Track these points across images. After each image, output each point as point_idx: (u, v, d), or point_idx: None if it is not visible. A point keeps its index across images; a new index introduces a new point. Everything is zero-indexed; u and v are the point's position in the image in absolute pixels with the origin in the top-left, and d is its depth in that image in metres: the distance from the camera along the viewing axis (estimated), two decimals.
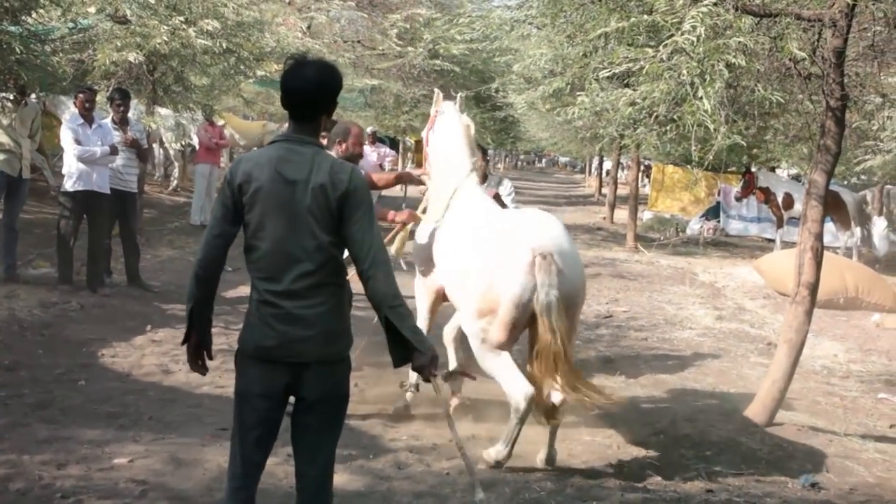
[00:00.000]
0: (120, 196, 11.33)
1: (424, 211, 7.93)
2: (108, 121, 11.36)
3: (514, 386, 6.45)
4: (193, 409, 7.34)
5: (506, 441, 6.53)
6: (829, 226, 22.58)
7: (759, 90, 7.10)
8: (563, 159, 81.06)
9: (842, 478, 6.80)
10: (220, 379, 7.72)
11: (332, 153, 7.31)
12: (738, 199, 24.37)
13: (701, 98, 6.33)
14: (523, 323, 6.42)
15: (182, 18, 13.07)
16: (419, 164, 41.02)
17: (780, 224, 22.67)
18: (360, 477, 6.12)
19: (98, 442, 6.30)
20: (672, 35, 6.51)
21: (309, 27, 18.72)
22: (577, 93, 7.88)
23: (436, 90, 8.21)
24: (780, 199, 22.34)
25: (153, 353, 8.81)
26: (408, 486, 6.01)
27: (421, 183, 8.24)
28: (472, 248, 6.80)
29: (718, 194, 27.93)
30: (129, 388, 7.64)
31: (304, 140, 4.05)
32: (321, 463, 4.17)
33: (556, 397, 6.49)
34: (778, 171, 30.43)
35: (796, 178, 31.15)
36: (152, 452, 6.11)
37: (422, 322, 7.65)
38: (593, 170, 49.86)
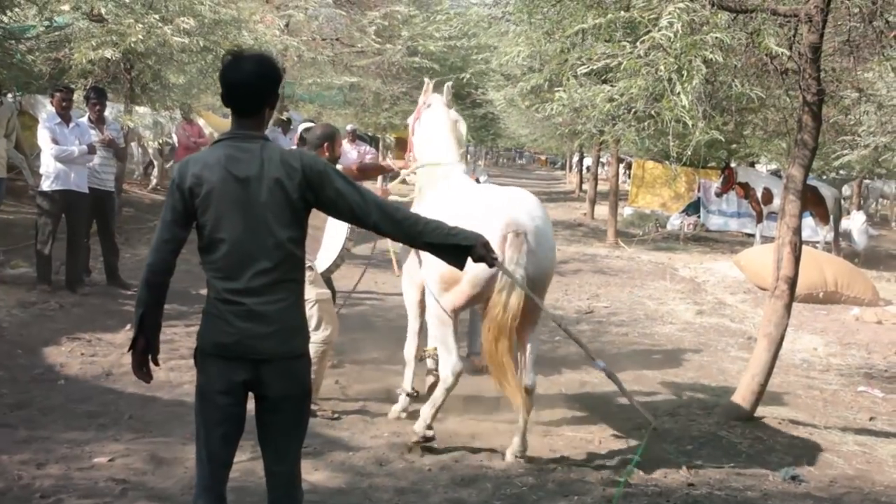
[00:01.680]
0: (98, 195, 11.27)
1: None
2: (85, 120, 11.30)
3: (448, 359, 6.69)
4: (174, 407, 7.30)
5: (431, 406, 6.76)
6: (809, 220, 22.74)
7: (736, 86, 7.12)
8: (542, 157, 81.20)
9: (822, 470, 6.84)
10: None
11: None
12: (719, 195, 24.44)
13: (679, 94, 6.34)
14: (484, 296, 6.45)
15: (158, 16, 12.98)
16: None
17: (759, 219, 22.75)
18: (340, 474, 6.11)
19: (78, 441, 6.28)
20: (649, 31, 6.52)
21: (287, 25, 18.63)
22: (556, 89, 7.87)
23: (426, 80, 8.17)
24: (759, 194, 22.43)
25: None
26: (389, 483, 6.01)
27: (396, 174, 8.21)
28: (446, 219, 6.73)
29: (698, 190, 28.03)
30: (108, 388, 7.60)
31: (250, 136, 4.03)
32: (290, 460, 4.18)
33: (529, 379, 6.66)
34: (757, 166, 30.54)
35: (776, 173, 31.26)
36: (132, 451, 6.09)
37: (412, 319, 7.68)
38: (573, 166, 49.85)
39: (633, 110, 7.06)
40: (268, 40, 15.54)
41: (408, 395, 7.68)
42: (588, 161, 42.14)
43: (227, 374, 3.97)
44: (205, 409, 4.05)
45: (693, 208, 28.09)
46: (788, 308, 7.83)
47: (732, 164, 24.47)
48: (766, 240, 21.40)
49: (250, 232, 3.94)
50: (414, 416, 7.48)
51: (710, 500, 5.98)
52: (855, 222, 22.49)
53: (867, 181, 33.17)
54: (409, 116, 8.15)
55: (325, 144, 7.43)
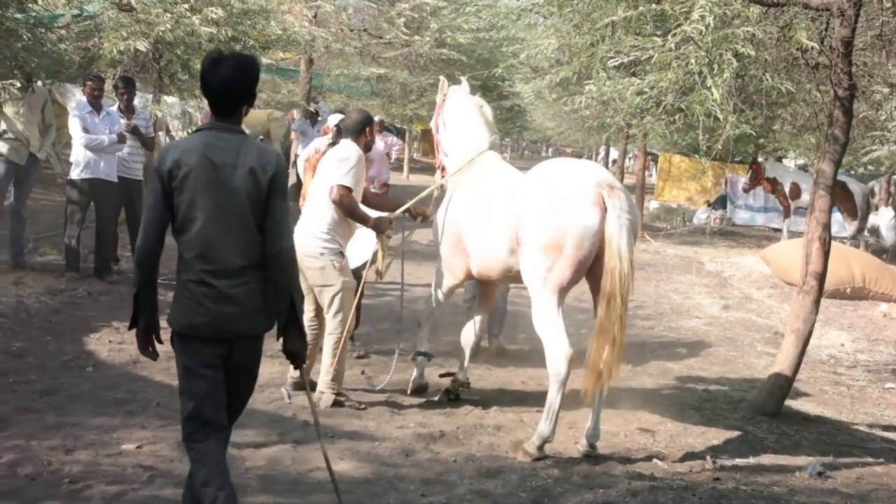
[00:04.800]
0: (127, 184, 11.33)
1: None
2: (115, 109, 11.35)
3: (557, 345, 6.49)
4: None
5: (548, 417, 6.53)
6: (836, 216, 22.56)
7: (767, 79, 7.08)
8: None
9: (849, 467, 6.81)
10: None
11: (352, 142, 7.35)
12: (746, 190, 24.30)
13: (710, 87, 6.31)
14: (589, 260, 6.43)
15: (187, 6, 13.01)
16: (425, 154, 41.02)
17: (786, 214, 22.63)
18: (366, 464, 6.13)
19: (106, 428, 6.31)
20: (680, 24, 6.49)
21: (315, 16, 18.66)
22: (585, 82, 7.85)
23: (441, 78, 8.25)
24: (787, 189, 22.29)
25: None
26: (415, 474, 6.02)
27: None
28: (525, 193, 6.76)
29: (725, 184, 27.89)
30: (136, 375, 7.64)
31: (229, 128, 4.35)
32: (236, 415, 4.62)
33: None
34: (785, 161, 30.39)
35: (803, 168, 31.08)
36: (160, 439, 6.12)
37: (433, 304, 7.77)
38: (599, 159, 49.75)
39: (663, 104, 7.03)
40: (296, 31, 15.57)
41: (421, 355, 7.83)
42: (614, 154, 42.05)
43: (207, 350, 4.32)
44: (191, 384, 4.35)
45: (720, 202, 27.95)
46: (817, 303, 7.80)
47: (760, 159, 24.34)
48: (794, 235, 21.28)
49: (223, 215, 4.25)
50: (434, 405, 7.54)
51: (735, 494, 5.96)
52: (883, 218, 22.31)
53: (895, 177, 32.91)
54: (434, 116, 8.16)
55: (367, 129, 7.45)
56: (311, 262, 7.11)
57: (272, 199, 4.32)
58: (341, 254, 7.27)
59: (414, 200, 7.85)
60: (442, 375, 8.13)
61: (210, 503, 4.28)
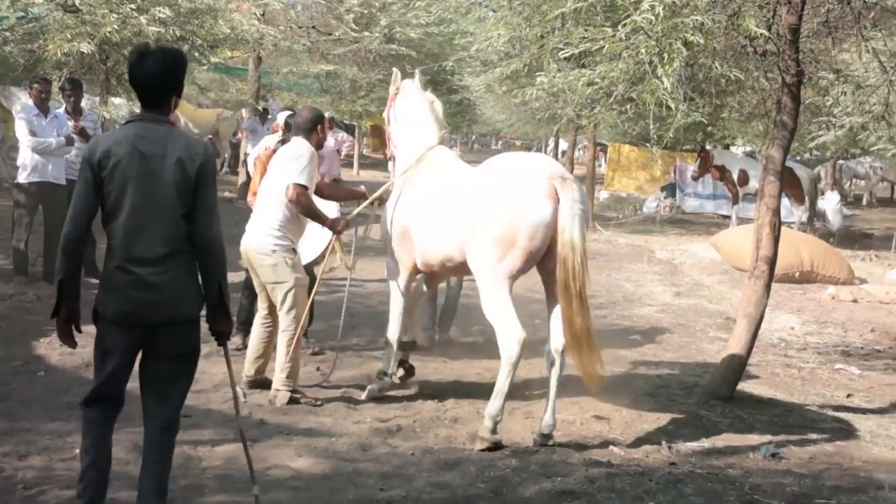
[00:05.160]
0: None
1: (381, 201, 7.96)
2: (62, 111, 11.21)
3: (509, 328, 6.53)
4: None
5: (497, 396, 6.59)
6: (784, 201, 22.78)
7: (716, 68, 7.14)
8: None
9: (802, 447, 6.91)
10: None
11: (304, 139, 7.32)
12: (695, 178, 24.55)
13: (660, 77, 6.35)
14: (542, 251, 6.48)
15: (133, 6, 12.84)
16: (375, 149, 40.82)
17: (735, 200, 22.87)
18: (324, 460, 6.11)
19: (59, 432, 6.25)
20: (629, 14, 6.53)
21: (263, 14, 18.54)
22: (535, 74, 7.87)
23: (395, 70, 8.26)
24: (735, 176, 22.54)
25: None
26: (373, 468, 6.01)
27: (363, 197, 8.12)
28: (477, 187, 6.81)
29: (674, 173, 28.12)
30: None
31: (158, 119, 4.48)
32: (172, 404, 4.68)
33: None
34: (732, 148, 30.67)
35: (751, 155, 31.41)
36: (115, 441, 5.98)
37: (397, 302, 7.69)
38: (548, 151, 49.88)
39: (614, 94, 7.07)
40: (244, 29, 15.47)
41: (385, 376, 7.74)
42: (563, 145, 42.19)
43: (127, 336, 4.48)
44: (105, 363, 4.56)
45: (669, 191, 28.18)
46: (768, 288, 7.90)
47: (708, 147, 24.56)
48: (742, 221, 21.50)
49: (149, 205, 4.37)
50: (391, 399, 7.56)
51: (691, 478, 6.02)
52: (829, 203, 22.65)
53: (841, 162, 33.38)
54: (386, 108, 8.17)
55: (319, 127, 7.42)
56: (264, 259, 7.10)
57: (200, 189, 4.43)
58: (293, 251, 7.26)
59: (373, 197, 7.83)
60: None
61: (81, 473, 4.62)
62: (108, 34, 12.59)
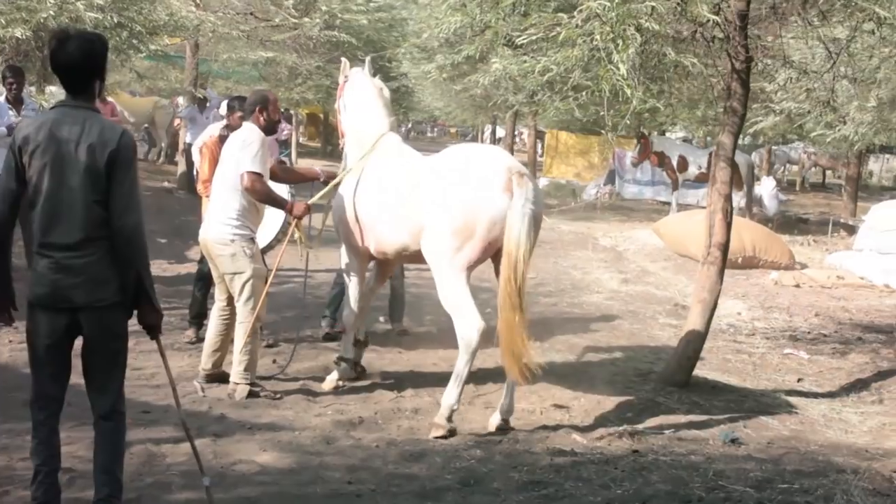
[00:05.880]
0: None
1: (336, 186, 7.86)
2: (2, 100, 10.91)
3: (468, 317, 6.56)
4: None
5: (455, 384, 6.62)
6: None
7: (669, 54, 7.17)
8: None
9: (759, 432, 6.98)
10: (136, 361, 7.47)
11: (252, 124, 7.20)
12: (635, 164, 24.70)
13: (616, 63, 6.35)
14: (499, 241, 6.48)
15: None
16: (311, 138, 40.40)
17: (675, 187, 23.07)
18: (289, 454, 6.04)
19: (17, 431, 6.07)
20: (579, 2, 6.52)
21: (199, 1, 18.22)
22: (484, 62, 7.82)
23: (343, 59, 8.20)
24: (674, 163, 22.72)
25: None
26: (339, 461, 5.96)
27: (317, 178, 8.04)
28: (434, 177, 6.82)
29: (613, 159, 28.28)
30: None
31: (78, 105, 4.48)
32: (110, 393, 4.69)
33: None
34: (668, 134, 30.98)
35: (686, 140, 31.76)
36: (75, 439, 5.89)
37: (354, 288, 7.66)
38: (485, 138, 49.94)
39: (570, 81, 7.05)
40: (183, 15, 15.22)
41: (344, 361, 7.70)
42: (500, 132, 42.29)
43: (49, 320, 4.49)
44: (35, 350, 4.59)
45: (608, 178, 28.35)
46: (721, 274, 7.99)
47: (645, 132, 24.74)
48: (682, 207, 21.75)
49: (64, 190, 4.38)
50: (350, 391, 7.51)
51: (656, 465, 6.05)
52: (765, 188, 22.93)
53: (774, 147, 33.90)
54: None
55: (258, 108, 7.29)
56: (222, 248, 6.99)
57: (114, 175, 4.39)
58: (252, 240, 7.17)
59: (332, 184, 7.72)
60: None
61: (33, 476, 4.61)
62: (43, 20, 12.26)
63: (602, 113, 7.64)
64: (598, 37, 6.44)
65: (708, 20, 7.01)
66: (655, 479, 5.80)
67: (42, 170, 4.38)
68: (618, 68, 6.38)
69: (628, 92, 6.48)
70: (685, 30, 7.57)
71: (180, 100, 21.41)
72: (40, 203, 4.40)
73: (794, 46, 9.03)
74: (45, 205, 4.40)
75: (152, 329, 4.74)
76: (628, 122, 7.29)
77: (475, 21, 7.60)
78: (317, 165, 10.35)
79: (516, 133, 36.68)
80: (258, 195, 7.03)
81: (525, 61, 7.27)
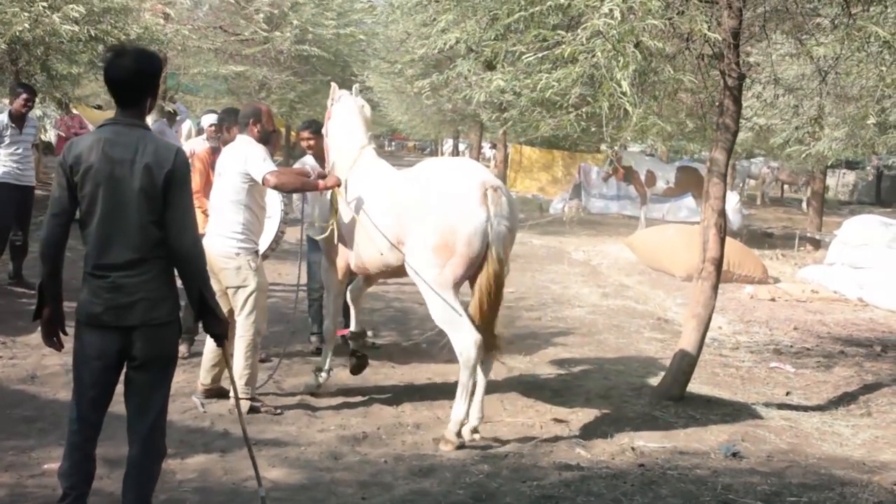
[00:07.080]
0: (22, 191, 10.71)
1: None
2: (4, 117, 10.71)
3: (462, 332, 6.63)
4: (112, 407, 7.03)
5: (461, 400, 6.68)
6: (689, 201, 23.33)
7: (669, 71, 7.24)
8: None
9: (757, 446, 7.04)
10: None
11: (247, 136, 7.17)
12: (605, 179, 24.83)
13: (619, 80, 6.40)
14: (481, 256, 6.56)
15: (46, 4, 12.42)
16: (273, 152, 40.49)
17: (643, 201, 23.22)
18: (297, 470, 6.01)
19: (22, 448, 6.02)
20: (581, 18, 6.56)
21: (169, 16, 18.09)
22: (491, 76, 7.79)
23: (332, 84, 8.26)
24: (643, 177, 22.88)
25: (53, 353, 8.28)
26: (349, 477, 5.94)
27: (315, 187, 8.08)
28: (411, 194, 6.87)
29: (579, 173, 28.41)
30: (37, 391, 7.27)
31: (131, 123, 4.43)
32: (151, 417, 4.57)
33: None
34: (629, 148, 31.18)
35: (649, 155, 31.98)
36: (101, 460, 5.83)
37: (331, 303, 7.82)
38: (444, 151, 49.96)
39: (569, 97, 7.08)
40: (157, 29, 15.13)
41: (322, 372, 7.80)
42: (462, 146, 42.43)
43: (100, 341, 4.40)
44: (80, 373, 4.49)
45: (574, 192, 28.48)
46: (715, 289, 8.04)
47: (604, 147, 24.86)
48: (651, 222, 21.90)
49: (118, 210, 4.33)
50: (349, 406, 7.47)
51: (664, 479, 6.09)
52: (729, 203, 23.04)
53: (735, 162, 34.23)
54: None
55: (251, 120, 7.25)
56: (227, 262, 6.95)
57: (170, 195, 4.36)
58: (256, 253, 7.14)
59: (339, 204, 7.74)
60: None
61: (61, 497, 4.54)
62: (18, 33, 12.13)
63: (594, 129, 7.70)
64: (599, 53, 6.48)
65: (702, 36, 7.09)
66: (666, 493, 5.84)
67: (95, 191, 4.33)
68: (619, 85, 6.43)
69: (629, 109, 6.53)
70: (674, 47, 7.65)
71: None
72: (94, 225, 4.36)
73: (784, 65, 9.15)
74: (98, 227, 4.35)
75: (218, 338, 4.77)
76: (628, 137, 7.32)
77: (472, 38, 7.59)
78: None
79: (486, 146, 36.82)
80: (289, 187, 7.16)
81: (522, 78, 7.29)
